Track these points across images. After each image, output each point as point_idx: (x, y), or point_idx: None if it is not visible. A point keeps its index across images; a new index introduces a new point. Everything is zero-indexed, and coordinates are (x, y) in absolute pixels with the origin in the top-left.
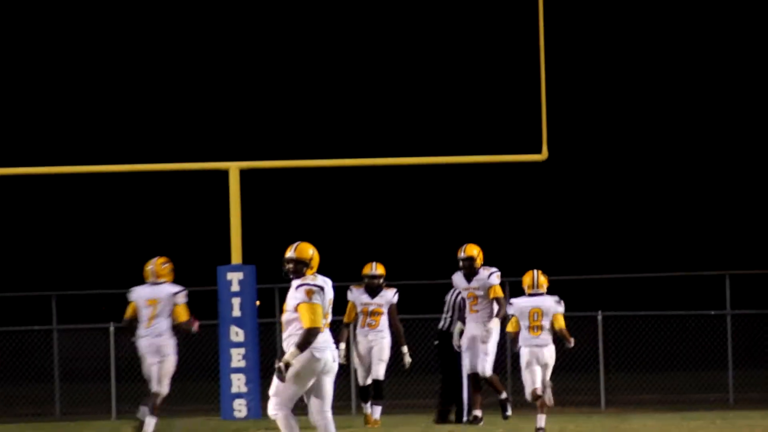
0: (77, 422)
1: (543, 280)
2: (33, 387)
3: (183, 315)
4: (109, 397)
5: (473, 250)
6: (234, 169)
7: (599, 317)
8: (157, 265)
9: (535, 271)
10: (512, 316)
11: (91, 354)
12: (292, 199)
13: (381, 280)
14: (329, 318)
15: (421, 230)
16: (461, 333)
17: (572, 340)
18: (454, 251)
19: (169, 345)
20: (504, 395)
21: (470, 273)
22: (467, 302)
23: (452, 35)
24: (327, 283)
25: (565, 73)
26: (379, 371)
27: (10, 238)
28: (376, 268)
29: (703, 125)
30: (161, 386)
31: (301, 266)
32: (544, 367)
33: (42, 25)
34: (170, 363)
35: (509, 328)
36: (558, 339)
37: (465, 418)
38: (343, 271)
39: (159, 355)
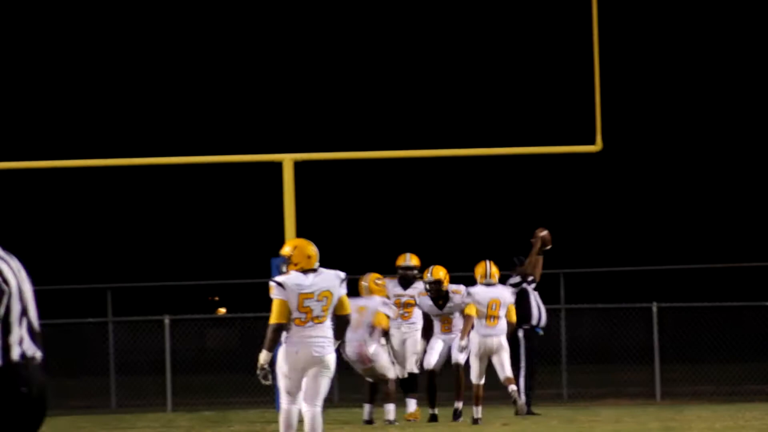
0: (133, 414)
1: (495, 271)
2: (88, 379)
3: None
4: (164, 389)
5: (440, 273)
6: (288, 160)
7: (654, 308)
8: (370, 281)
9: (488, 261)
10: (468, 303)
11: (147, 346)
12: (346, 190)
13: (415, 272)
14: (314, 313)
15: (476, 222)
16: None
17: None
18: (510, 243)
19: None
20: (460, 404)
21: (439, 297)
22: (438, 324)
23: (505, 24)
24: (307, 278)
25: (620, 62)
26: (412, 365)
27: (65, 231)
28: (410, 260)
29: (759, 115)
30: (388, 373)
31: (285, 263)
32: (497, 353)
33: (103, 17)
34: (382, 359)
35: (471, 312)
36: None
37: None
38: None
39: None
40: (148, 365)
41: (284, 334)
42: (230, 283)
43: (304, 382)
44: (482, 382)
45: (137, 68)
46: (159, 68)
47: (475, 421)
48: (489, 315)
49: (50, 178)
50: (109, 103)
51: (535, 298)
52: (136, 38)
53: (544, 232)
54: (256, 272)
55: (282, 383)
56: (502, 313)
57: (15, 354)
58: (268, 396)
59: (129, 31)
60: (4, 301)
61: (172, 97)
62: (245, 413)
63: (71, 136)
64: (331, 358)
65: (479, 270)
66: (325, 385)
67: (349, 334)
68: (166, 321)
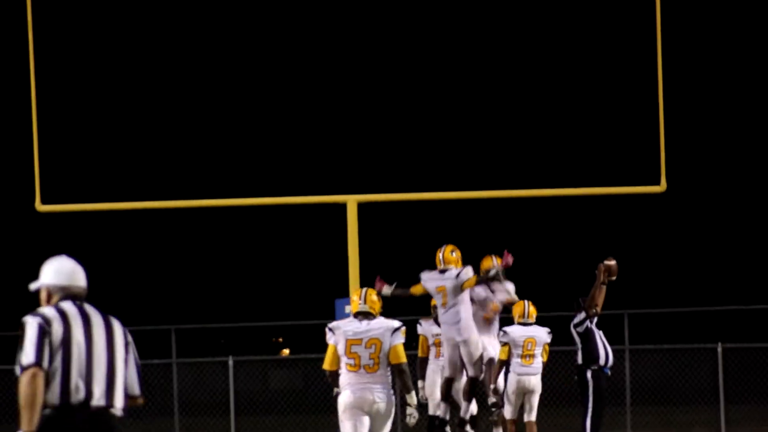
0: None
1: (533, 311)
2: (153, 420)
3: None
4: (228, 430)
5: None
6: (352, 202)
7: (719, 349)
8: (446, 252)
9: (526, 301)
10: (505, 344)
11: (211, 387)
12: (411, 231)
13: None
14: (362, 360)
15: (539, 262)
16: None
17: None
18: (573, 283)
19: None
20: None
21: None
22: (433, 349)
23: (568, 64)
24: (361, 324)
25: (684, 101)
26: (474, 408)
27: (130, 272)
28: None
29: None
30: (473, 369)
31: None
32: (531, 393)
33: (167, 62)
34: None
35: (502, 355)
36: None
37: None
38: None
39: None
40: (211, 406)
41: (341, 381)
42: (294, 325)
43: (362, 429)
44: (515, 417)
45: (199, 109)
46: (221, 109)
47: None
48: (524, 354)
49: (113, 219)
50: (170, 144)
51: (600, 337)
52: (194, 79)
53: (612, 262)
54: (319, 313)
55: (343, 426)
56: (537, 351)
57: (53, 398)
58: None
59: (188, 72)
60: (46, 342)
61: (236, 138)
62: None
63: (134, 178)
64: (384, 405)
65: (517, 309)
66: (383, 431)
67: (442, 317)
68: (230, 362)
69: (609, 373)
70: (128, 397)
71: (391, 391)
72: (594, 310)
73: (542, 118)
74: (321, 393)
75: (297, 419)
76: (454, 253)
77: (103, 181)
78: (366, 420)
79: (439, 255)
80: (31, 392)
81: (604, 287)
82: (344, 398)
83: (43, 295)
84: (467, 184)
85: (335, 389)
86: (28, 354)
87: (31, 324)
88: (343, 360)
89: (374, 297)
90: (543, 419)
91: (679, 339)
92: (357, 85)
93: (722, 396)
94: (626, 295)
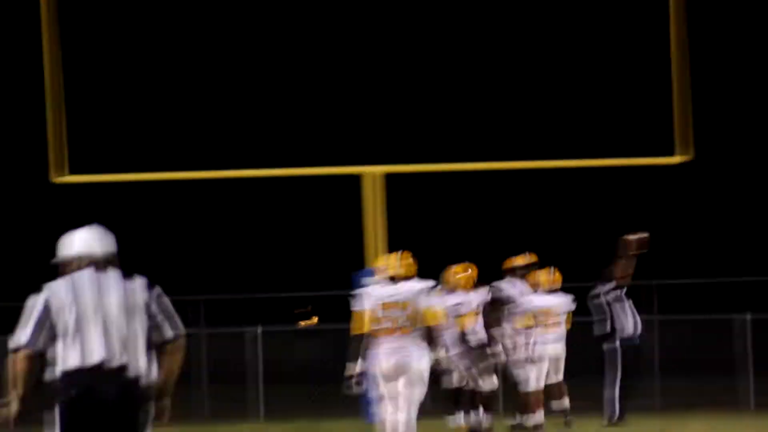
0: (225, 424)
1: (558, 278)
2: (182, 389)
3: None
4: (257, 399)
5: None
6: (368, 173)
7: (748, 318)
8: (450, 274)
9: (551, 268)
10: (528, 311)
11: (239, 357)
12: (430, 203)
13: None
14: (399, 322)
15: (566, 233)
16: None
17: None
18: (594, 254)
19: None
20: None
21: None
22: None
23: (583, 36)
24: (393, 288)
25: (711, 72)
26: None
27: (159, 244)
28: (530, 257)
29: None
30: (488, 383)
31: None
32: (555, 359)
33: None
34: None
35: (527, 322)
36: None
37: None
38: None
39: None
40: (240, 376)
41: (376, 345)
42: (321, 295)
43: (400, 390)
44: (542, 386)
45: (224, 82)
46: (252, 82)
47: (536, 428)
48: (544, 322)
49: (140, 190)
50: (198, 115)
51: (628, 308)
52: (215, 52)
53: (644, 235)
54: (337, 285)
55: (380, 393)
56: (559, 320)
57: (70, 362)
58: (354, 408)
59: (207, 45)
60: (46, 321)
61: (255, 108)
62: (337, 423)
63: (155, 150)
64: (421, 366)
65: (542, 277)
66: (417, 392)
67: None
68: (259, 331)
69: (637, 342)
70: (164, 343)
71: (426, 352)
72: (622, 282)
73: (566, 90)
74: (341, 363)
75: (324, 388)
76: (467, 271)
77: (126, 152)
78: (401, 385)
79: (446, 275)
80: (16, 372)
81: (632, 259)
82: (379, 365)
83: (65, 268)
84: (486, 155)
85: (351, 378)
86: (23, 333)
87: (36, 301)
88: (377, 325)
89: (409, 260)
90: (569, 389)
91: (708, 309)
92: (374, 58)
93: (751, 366)
94: (655, 266)
